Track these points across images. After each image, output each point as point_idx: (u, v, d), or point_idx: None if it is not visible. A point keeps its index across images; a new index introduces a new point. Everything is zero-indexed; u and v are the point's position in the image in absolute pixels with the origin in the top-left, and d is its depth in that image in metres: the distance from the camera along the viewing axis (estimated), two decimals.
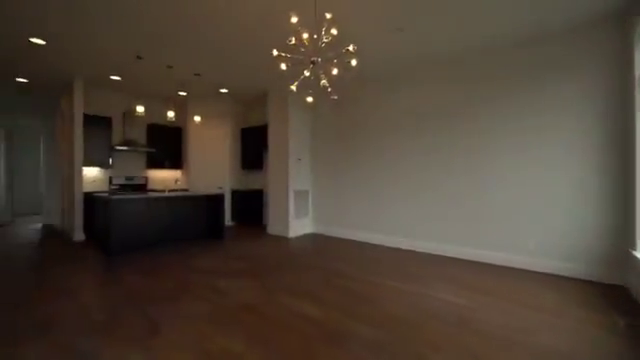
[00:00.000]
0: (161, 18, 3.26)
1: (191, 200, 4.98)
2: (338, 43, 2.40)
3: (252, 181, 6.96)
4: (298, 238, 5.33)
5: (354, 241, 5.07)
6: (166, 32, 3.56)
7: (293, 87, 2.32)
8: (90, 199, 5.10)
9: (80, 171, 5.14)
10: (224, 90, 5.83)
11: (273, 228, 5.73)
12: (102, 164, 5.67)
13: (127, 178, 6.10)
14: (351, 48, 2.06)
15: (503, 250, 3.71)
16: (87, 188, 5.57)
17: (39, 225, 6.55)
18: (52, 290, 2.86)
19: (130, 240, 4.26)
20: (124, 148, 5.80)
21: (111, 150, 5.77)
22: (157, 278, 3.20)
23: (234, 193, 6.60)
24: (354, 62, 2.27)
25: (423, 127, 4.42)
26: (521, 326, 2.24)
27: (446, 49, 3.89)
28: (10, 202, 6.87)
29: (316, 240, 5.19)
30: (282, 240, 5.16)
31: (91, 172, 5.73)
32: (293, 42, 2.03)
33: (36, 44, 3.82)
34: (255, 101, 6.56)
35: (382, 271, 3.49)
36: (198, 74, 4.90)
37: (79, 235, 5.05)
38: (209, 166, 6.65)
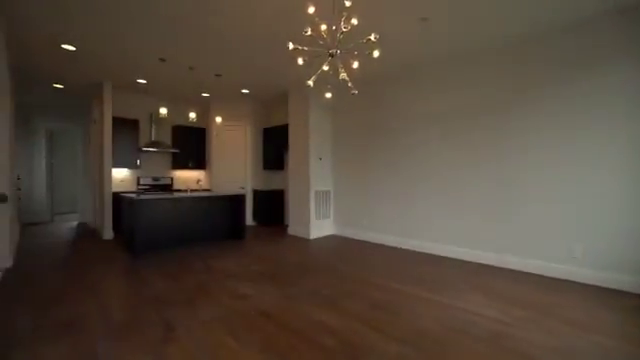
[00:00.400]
0: (182, 20, 3.25)
1: (212, 200, 5.01)
2: (358, 33, 2.23)
3: (274, 181, 6.94)
4: (319, 240, 5.21)
5: (377, 244, 4.87)
6: (187, 34, 3.56)
7: (310, 82, 2.20)
8: (117, 199, 5.28)
9: (109, 172, 5.34)
10: (245, 91, 5.82)
11: (294, 229, 5.65)
12: (130, 165, 5.87)
13: (154, 178, 6.28)
14: (372, 37, 1.90)
15: (542, 257, 3.37)
16: (116, 188, 5.78)
17: (75, 223, 6.92)
18: (75, 290, 2.93)
19: (153, 240, 4.34)
20: (150, 149, 5.97)
21: (138, 151, 5.95)
22: (177, 280, 3.21)
23: (256, 193, 6.61)
24: (376, 53, 2.09)
25: (453, 125, 4.13)
26: (565, 347, 1.97)
27: (477, 39, 3.60)
28: (50, 201, 7.31)
29: (338, 242, 5.04)
30: (302, 242, 5.06)
31: (120, 173, 5.94)
32: (309, 33, 1.89)
33: (67, 50, 3.97)
34: (276, 101, 6.52)
35: (408, 278, 3.28)
36: (219, 75, 4.91)
37: (108, 234, 5.25)
38: (231, 166, 6.70)
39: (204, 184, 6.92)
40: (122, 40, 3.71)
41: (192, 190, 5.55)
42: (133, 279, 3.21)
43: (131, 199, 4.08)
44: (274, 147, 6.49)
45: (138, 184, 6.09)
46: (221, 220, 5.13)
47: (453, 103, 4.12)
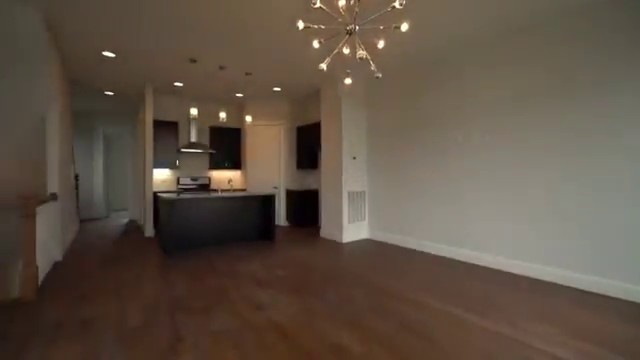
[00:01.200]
0: (212, 20, 3.19)
1: (243, 200, 4.95)
2: (380, 3, 1.85)
3: (308, 181, 6.74)
4: (352, 244, 4.87)
5: (416, 251, 4.38)
6: (217, 33, 3.51)
7: (323, 65, 1.90)
8: (156, 198, 5.50)
9: (150, 172, 5.58)
10: (277, 89, 5.70)
11: (326, 232, 5.39)
12: (170, 165, 6.10)
13: (192, 179, 6.47)
14: (397, 4, 1.53)
15: (628, 278, 2.65)
16: (158, 188, 6.06)
17: (126, 220, 7.45)
18: (102, 288, 2.99)
19: (184, 239, 4.39)
20: (188, 150, 6.15)
21: (178, 153, 6.17)
22: (199, 282, 3.13)
23: (289, 193, 6.47)
24: (405, 27, 1.72)
25: (507, 119, 3.51)
26: None
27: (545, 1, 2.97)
28: (106, 199, 7.99)
29: (372, 248, 4.65)
30: (334, 246, 4.77)
31: (162, 173, 6.21)
32: (318, 5, 1.59)
33: (108, 57, 4.17)
34: (310, 98, 6.31)
35: (450, 294, 2.81)
36: (249, 73, 4.84)
37: (150, 231, 5.49)
38: (265, 166, 6.66)
39: (239, 184, 6.98)
40: (154, 42, 3.76)
41: (223, 190, 5.57)
42: (158, 280, 3.21)
43: (163, 198, 4.16)
44: (308, 146, 6.29)
45: (178, 184, 6.32)
46: (252, 220, 5.05)
47: (516, 86, 3.49)
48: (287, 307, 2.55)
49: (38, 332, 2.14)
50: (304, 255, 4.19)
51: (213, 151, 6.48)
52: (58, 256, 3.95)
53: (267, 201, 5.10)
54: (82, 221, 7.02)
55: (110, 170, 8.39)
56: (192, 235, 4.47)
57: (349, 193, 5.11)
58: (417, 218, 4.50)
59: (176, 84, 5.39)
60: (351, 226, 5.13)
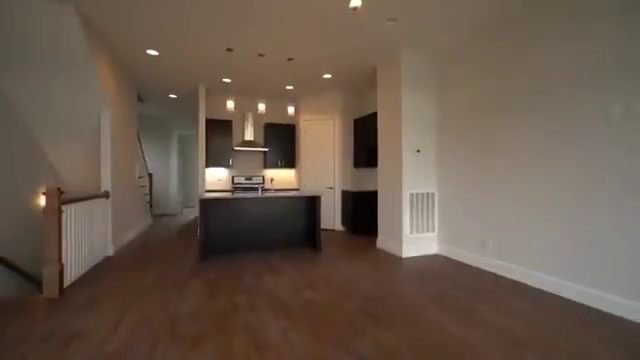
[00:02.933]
0: (245, 3, 2.78)
1: (285, 202, 4.42)
2: None
3: (366, 181, 5.88)
4: (414, 261, 3.84)
5: (510, 281, 3.12)
6: (251, 17, 3.09)
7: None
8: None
9: (203, 171, 5.57)
10: (327, 75, 5.02)
11: (383, 242, 4.46)
12: (225, 164, 6.03)
13: (246, 178, 6.31)
14: None
15: None
16: (214, 186, 6.07)
17: (193, 217, 7.83)
18: (120, 293, 2.78)
19: (220, 243, 4.08)
20: (241, 148, 5.99)
21: (232, 151, 6.07)
22: (211, 299, 2.66)
23: (344, 194, 5.72)
24: None
25: None
26: None
27: None
28: (181, 196, 8.60)
29: (440, 269, 3.55)
30: (390, 262, 3.83)
31: (218, 172, 6.21)
32: None
33: (152, 55, 4.16)
34: (367, 85, 5.46)
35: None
36: (291, 58, 4.28)
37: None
38: (319, 164, 6.06)
39: (294, 184, 6.56)
40: (189, 32, 3.52)
41: (265, 189, 5.16)
42: (172, 292, 2.86)
43: (202, 199, 3.91)
44: (366, 140, 5.43)
45: (232, 183, 6.23)
46: (296, 225, 4.48)
47: None
48: (295, 353, 1.84)
49: (21, 342, 1.93)
50: (348, 272, 3.40)
51: (265, 149, 6.20)
52: (110, 250, 4.08)
53: (313, 203, 4.46)
54: (156, 217, 7.63)
55: (184, 169, 9.05)
56: (229, 239, 4.14)
57: (411, 195, 4.08)
58: (511, 234, 3.22)
59: (225, 80, 5.22)
60: (414, 237, 4.09)
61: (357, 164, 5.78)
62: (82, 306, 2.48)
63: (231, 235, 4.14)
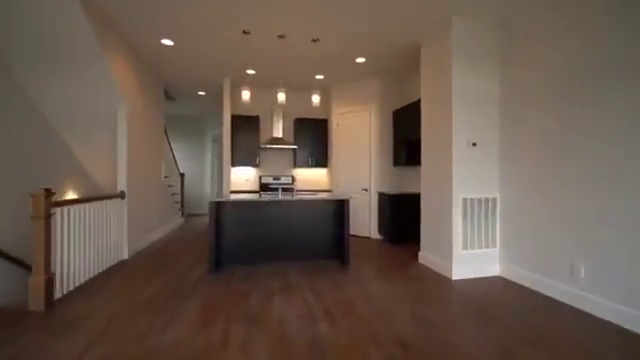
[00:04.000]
0: None
1: (308, 206, 3.82)
2: None
3: (407, 181, 5.06)
4: (470, 286, 2.98)
5: (614, 326, 2.15)
6: None
7: None
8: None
9: (228, 170, 5.24)
10: (361, 59, 4.32)
11: (426, 258, 3.64)
12: (252, 163, 5.65)
13: (274, 178, 5.87)
14: None
15: None
16: (241, 187, 5.73)
17: None
18: (105, 310, 2.41)
19: (233, 252, 3.62)
20: (268, 146, 5.55)
21: (259, 149, 5.66)
22: (204, 325, 2.16)
23: (382, 197, 4.96)
24: None
25: None
26: None
27: None
28: (215, 195, 8.52)
29: (509, 301, 2.65)
30: (437, 285, 3.01)
31: (245, 172, 5.85)
32: None
33: (167, 45, 3.86)
34: (409, 69, 4.65)
35: None
36: (316, 39, 3.68)
37: None
38: (353, 163, 5.37)
39: (325, 184, 5.96)
40: (203, 16, 3.12)
41: (285, 190, 4.60)
42: (162, 314, 2.43)
43: (210, 201, 3.49)
44: (407, 134, 4.62)
45: (260, 183, 5.83)
46: (321, 233, 3.86)
47: None
48: None
49: None
50: (379, 297, 2.69)
51: (294, 146, 5.68)
52: (125, 254, 3.88)
53: (340, 209, 3.81)
54: (189, 216, 7.59)
55: (218, 169, 8.97)
56: (244, 247, 3.67)
57: (465, 201, 3.21)
58: (615, 258, 2.24)
59: (248, 72, 4.81)
60: (468, 255, 3.22)
61: (397, 162, 4.98)
62: (60, 326, 2.15)
63: (246, 243, 3.67)
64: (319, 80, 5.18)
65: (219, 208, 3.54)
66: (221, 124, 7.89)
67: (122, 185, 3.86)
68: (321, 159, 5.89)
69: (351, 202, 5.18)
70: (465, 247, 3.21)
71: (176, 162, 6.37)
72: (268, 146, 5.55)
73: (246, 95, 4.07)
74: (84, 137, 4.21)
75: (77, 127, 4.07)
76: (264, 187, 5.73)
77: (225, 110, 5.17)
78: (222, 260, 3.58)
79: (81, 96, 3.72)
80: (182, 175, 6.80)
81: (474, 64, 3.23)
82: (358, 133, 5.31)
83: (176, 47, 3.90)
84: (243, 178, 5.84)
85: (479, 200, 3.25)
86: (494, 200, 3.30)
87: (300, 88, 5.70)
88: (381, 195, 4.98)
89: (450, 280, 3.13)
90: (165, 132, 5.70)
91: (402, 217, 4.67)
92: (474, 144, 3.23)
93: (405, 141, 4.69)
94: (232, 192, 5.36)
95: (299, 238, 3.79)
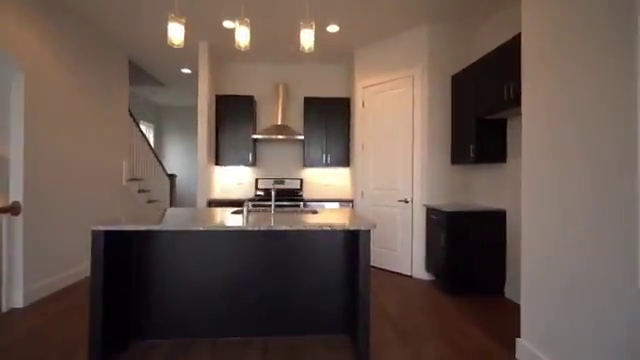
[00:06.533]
0: None
1: (296, 240, 2.10)
2: None
3: (476, 190, 3.14)
4: None
5: None
6: None
7: None
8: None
9: (207, 171, 3.75)
10: None
11: (532, 338, 1.70)
12: (244, 162, 4.09)
13: (276, 181, 4.25)
14: None
15: None
16: (230, 194, 4.23)
17: None
18: None
19: (157, 315, 2.02)
20: (263, 137, 3.96)
21: (253, 142, 4.09)
22: None
23: (432, 214, 3.08)
24: None
25: None
26: None
27: None
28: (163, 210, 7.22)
29: None
30: None
31: (235, 172, 4.33)
32: None
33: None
34: (476, 9, 2.73)
35: None
36: None
37: None
38: (386, 160, 3.56)
39: (345, 192, 4.23)
40: None
41: (279, 205, 2.80)
42: None
43: (93, 229, 1.86)
44: (481, 110, 2.73)
45: (256, 188, 4.25)
46: (316, 287, 2.12)
47: None
48: None
49: None
50: None
51: (301, 137, 4.02)
52: (17, 301, 2.50)
53: (354, 243, 1.99)
54: None
55: None
56: (188, 310, 2.05)
57: None
58: None
59: (227, 25, 3.24)
60: None
61: (458, 158, 3.09)
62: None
63: (181, 303, 2.05)
64: (333, 34, 3.43)
65: (112, 244, 1.91)
66: None
67: (16, 193, 2.50)
68: (340, 155, 4.15)
69: (384, 221, 3.37)
70: None
71: (160, 161, 5.09)
72: (266, 137, 3.96)
73: (174, 30, 1.98)
74: None
75: None
76: (265, 195, 4.14)
77: (201, 85, 3.67)
78: (136, 330, 2.00)
79: None
80: (172, 177, 5.51)
81: None
82: (394, 114, 3.48)
83: None
84: (234, 181, 4.32)
85: None
86: None
87: (310, 55, 4.01)
88: (431, 211, 3.09)
89: None
90: (134, 120, 4.38)
91: (469, 247, 2.77)
92: None
93: (474, 122, 2.78)
94: (212, 201, 3.85)
95: (279, 296, 2.09)
